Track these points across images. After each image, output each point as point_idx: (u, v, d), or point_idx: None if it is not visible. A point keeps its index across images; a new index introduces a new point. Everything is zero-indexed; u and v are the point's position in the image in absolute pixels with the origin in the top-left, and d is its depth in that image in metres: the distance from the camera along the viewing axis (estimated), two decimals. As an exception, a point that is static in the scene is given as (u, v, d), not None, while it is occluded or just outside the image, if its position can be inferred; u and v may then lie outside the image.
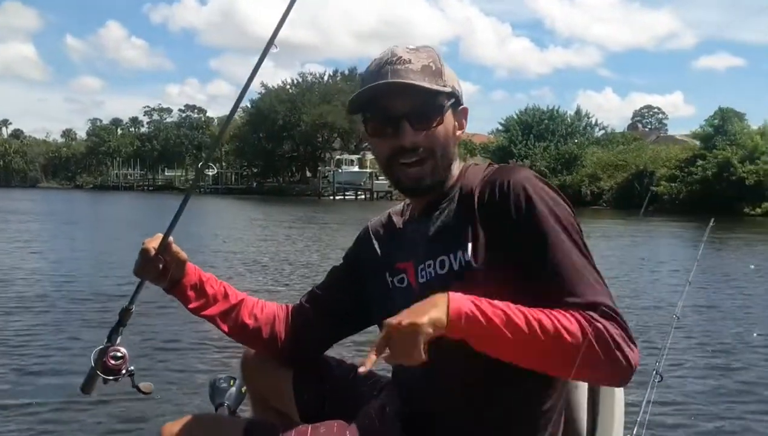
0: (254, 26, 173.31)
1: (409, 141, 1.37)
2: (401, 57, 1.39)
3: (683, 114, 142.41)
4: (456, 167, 1.47)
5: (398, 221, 1.58)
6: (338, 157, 64.35)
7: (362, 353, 1.51)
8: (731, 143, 37.02)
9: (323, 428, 1.46)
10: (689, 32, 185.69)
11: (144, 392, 1.55)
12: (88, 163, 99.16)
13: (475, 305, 1.19)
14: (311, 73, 74.86)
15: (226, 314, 1.64)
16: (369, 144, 1.49)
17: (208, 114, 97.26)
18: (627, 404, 1.57)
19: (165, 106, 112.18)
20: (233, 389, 1.89)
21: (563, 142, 49.54)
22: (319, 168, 65.90)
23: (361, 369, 1.16)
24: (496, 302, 1.21)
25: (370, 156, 70.51)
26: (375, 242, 1.61)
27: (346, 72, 72.06)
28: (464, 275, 1.33)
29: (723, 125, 38.87)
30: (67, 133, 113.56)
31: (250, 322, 1.65)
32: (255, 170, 77.68)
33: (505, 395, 1.37)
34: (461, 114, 1.49)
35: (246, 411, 1.91)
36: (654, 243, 18.61)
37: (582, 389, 1.57)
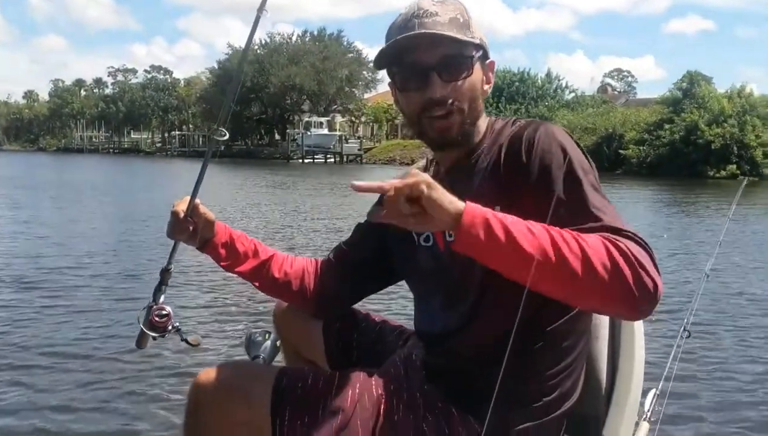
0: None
1: (438, 93, 1.37)
2: (428, 10, 1.38)
3: (654, 77, 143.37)
4: (483, 123, 1.47)
5: None
6: (307, 119, 63.64)
7: (389, 308, 1.56)
8: (699, 107, 37.25)
9: (350, 374, 1.48)
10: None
11: (192, 344, 1.70)
12: (52, 126, 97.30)
13: (491, 213, 1.13)
14: (279, 34, 73.51)
15: (257, 269, 1.71)
16: (397, 100, 1.48)
17: (174, 75, 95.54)
18: (653, 361, 1.46)
19: (130, 66, 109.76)
20: (268, 343, 1.98)
21: (534, 105, 49.56)
22: (288, 131, 65.13)
23: (354, 183, 1.11)
24: (513, 216, 1.14)
25: (339, 118, 70.32)
26: None
27: (315, 33, 70.87)
28: None
29: (691, 89, 39.07)
30: (29, 95, 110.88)
31: (280, 277, 1.71)
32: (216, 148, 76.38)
33: (534, 347, 1.38)
34: (488, 67, 1.47)
35: (281, 364, 1.94)
36: (625, 207, 18.72)
37: (603, 340, 1.58)
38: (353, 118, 69.19)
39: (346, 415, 1.40)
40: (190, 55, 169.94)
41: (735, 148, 34.96)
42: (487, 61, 1.46)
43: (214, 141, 1.67)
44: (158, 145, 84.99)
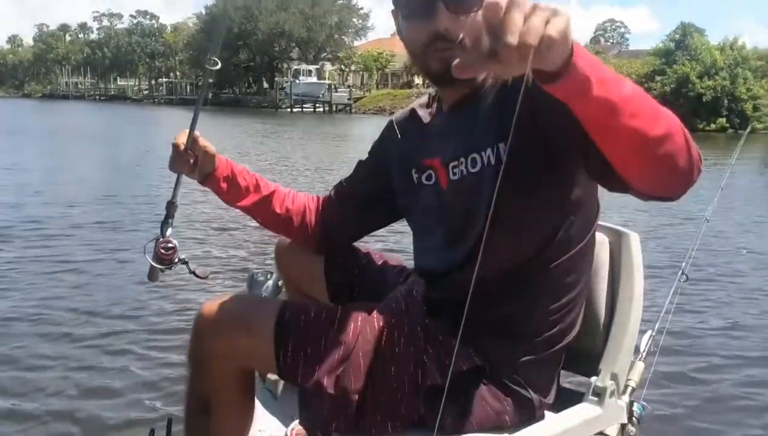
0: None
1: (443, 26, 1.28)
2: None
3: (648, 29, 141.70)
4: None
5: (424, 114, 1.55)
6: (296, 67, 62.83)
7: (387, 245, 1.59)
8: (691, 59, 37.07)
9: (352, 308, 1.49)
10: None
11: (200, 277, 1.70)
12: (36, 71, 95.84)
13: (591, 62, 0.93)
14: (268, -21, 72.12)
15: (259, 204, 1.71)
16: (400, 30, 1.41)
17: (161, 21, 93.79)
18: (650, 304, 1.58)
19: (116, 11, 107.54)
20: (270, 282, 1.99)
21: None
22: (276, 79, 64.36)
23: (456, 66, 0.87)
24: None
25: (329, 66, 69.43)
26: (400, 135, 1.60)
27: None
28: (492, 173, 1.32)
29: (684, 40, 38.81)
30: (13, 40, 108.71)
31: (281, 212, 1.72)
32: (210, 80, 75.48)
33: (537, 283, 1.39)
34: None
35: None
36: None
37: (602, 278, 1.60)
38: (343, 67, 68.42)
39: (347, 347, 1.40)
40: (179, 1, 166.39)
41: (726, 101, 35.02)
42: None
43: (208, 71, 1.58)
44: (145, 92, 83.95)
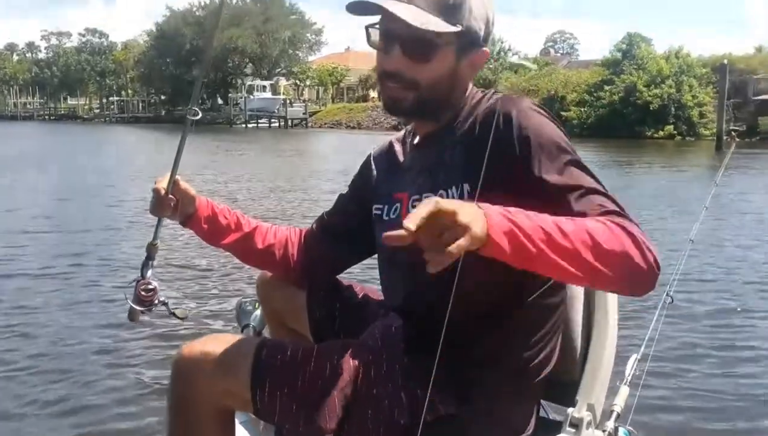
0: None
1: (393, 66, 1.35)
2: None
3: (597, 39, 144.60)
4: (462, 96, 1.44)
5: (399, 149, 1.59)
6: (250, 83, 62.50)
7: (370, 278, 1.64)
8: (638, 68, 37.91)
9: (329, 346, 1.51)
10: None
11: (179, 318, 1.74)
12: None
13: (511, 221, 1.07)
14: (219, -6, 71.58)
15: (240, 242, 1.73)
16: None
17: (112, 39, 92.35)
18: (638, 325, 1.40)
19: (64, 30, 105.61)
20: (258, 312, 2.02)
21: (477, 68, 49.56)
22: (230, 95, 63.89)
23: (386, 235, 1.00)
24: (528, 213, 1.10)
25: (283, 82, 69.14)
26: (375, 170, 1.64)
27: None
28: None
29: (630, 50, 39.68)
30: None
31: (263, 248, 1.73)
32: (163, 98, 74.80)
33: (514, 316, 1.41)
34: (478, 56, 1.41)
35: (264, 335, 2.01)
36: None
37: (578, 309, 1.63)
38: (298, 82, 68.22)
39: (324, 387, 1.41)
40: (129, 19, 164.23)
41: (673, 108, 35.83)
42: (475, 50, 1.39)
43: (189, 121, 1.66)
44: (96, 111, 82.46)
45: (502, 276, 1.34)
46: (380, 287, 1.67)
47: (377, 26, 1.38)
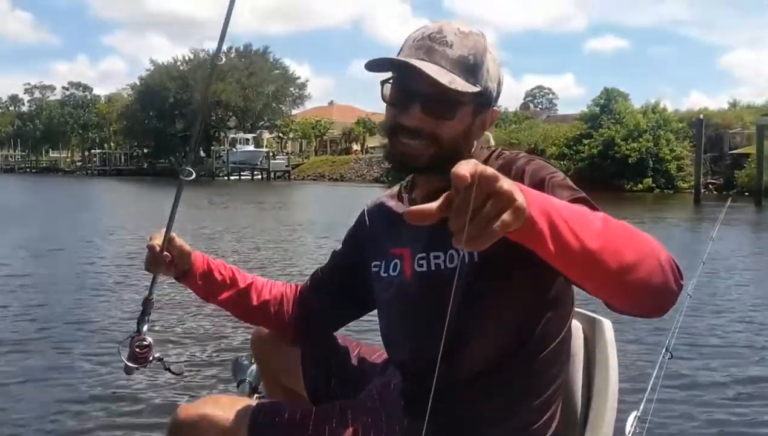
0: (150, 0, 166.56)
1: (413, 122, 1.33)
2: (445, 37, 1.33)
3: (574, 94, 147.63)
4: (470, 154, 1.41)
5: (396, 204, 1.56)
6: (233, 136, 62.81)
7: (365, 333, 1.60)
8: (616, 122, 38.58)
9: (326, 409, 1.49)
10: (581, 15, 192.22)
11: (175, 374, 1.74)
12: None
13: (544, 198, 0.96)
14: (203, 50, 72.50)
15: (235, 298, 1.71)
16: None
17: (94, 91, 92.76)
18: (635, 382, 1.37)
19: (48, 83, 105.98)
20: (254, 367, 1.99)
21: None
22: (213, 147, 64.14)
23: (406, 211, 0.88)
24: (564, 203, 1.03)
25: (267, 135, 69.56)
26: (370, 225, 1.61)
27: (241, 48, 70.16)
28: (476, 271, 1.31)
29: (608, 105, 40.44)
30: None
31: (257, 304, 1.71)
32: (146, 151, 74.89)
33: (519, 375, 1.38)
34: (489, 115, 1.42)
35: (260, 397, 1.98)
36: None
37: (578, 365, 1.60)
38: (281, 135, 68.71)
39: None
40: (114, 72, 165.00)
41: (651, 161, 36.39)
42: (488, 109, 1.41)
43: (182, 181, 1.65)
44: (78, 163, 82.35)
45: (508, 333, 1.33)
46: (378, 342, 1.66)
47: (390, 81, 1.38)
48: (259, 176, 55.81)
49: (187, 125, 68.40)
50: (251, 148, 58.50)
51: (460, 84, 1.31)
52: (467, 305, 1.31)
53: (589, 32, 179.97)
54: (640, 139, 36.92)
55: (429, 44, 1.33)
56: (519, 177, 1.27)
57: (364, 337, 1.90)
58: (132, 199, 28.05)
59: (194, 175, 1.65)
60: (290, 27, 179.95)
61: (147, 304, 1.67)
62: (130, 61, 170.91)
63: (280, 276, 8.74)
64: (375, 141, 63.22)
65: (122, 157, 75.21)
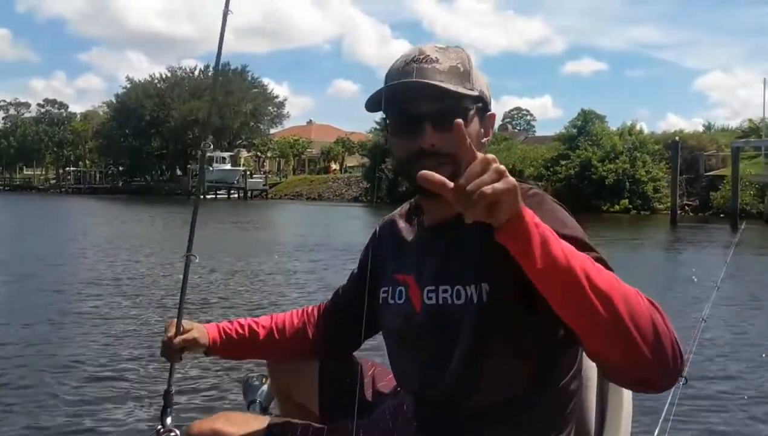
0: (128, 17, 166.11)
1: (428, 143, 1.33)
2: (428, 56, 1.36)
3: (551, 116, 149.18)
4: None
5: (405, 227, 1.57)
6: (209, 154, 62.48)
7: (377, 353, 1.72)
8: (593, 144, 38.89)
9: (338, 429, 1.51)
10: (559, 38, 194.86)
11: None
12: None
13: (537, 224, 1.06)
14: (181, 68, 72.28)
15: (264, 348, 1.77)
16: (386, 140, 1.47)
17: (70, 109, 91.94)
18: (650, 407, 1.72)
19: (23, 100, 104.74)
20: (265, 387, 2.02)
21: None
22: (189, 166, 63.72)
23: (420, 173, 1.04)
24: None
25: (244, 153, 69.44)
26: (380, 248, 1.62)
27: (219, 67, 69.78)
28: (477, 309, 1.33)
29: (585, 126, 40.79)
30: None
31: (287, 341, 1.75)
32: (121, 169, 74.26)
33: (534, 405, 1.37)
34: (488, 121, 1.44)
35: (273, 413, 1.97)
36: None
37: (591, 391, 1.57)
38: (259, 153, 68.49)
39: None
40: (92, 89, 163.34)
41: (627, 183, 36.66)
42: (487, 114, 1.43)
43: (188, 261, 1.72)
44: (52, 181, 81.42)
45: (517, 373, 1.33)
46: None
47: (386, 118, 1.41)
48: (236, 195, 55.55)
49: (164, 144, 68.04)
50: (228, 166, 58.20)
51: (461, 89, 1.33)
52: (475, 344, 1.33)
53: (567, 55, 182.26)
54: (617, 161, 37.18)
55: (416, 66, 1.35)
56: None
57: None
58: (107, 219, 27.59)
59: (197, 259, 1.74)
60: (271, 46, 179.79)
61: (168, 397, 1.70)
62: (108, 79, 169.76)
63: (258, 308, 8.62)
64: (354, 160, 63.29)
65: (97, 175, 74.46)
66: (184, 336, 1.68)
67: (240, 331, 1.75)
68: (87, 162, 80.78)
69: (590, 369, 1.54)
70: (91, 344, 6.11)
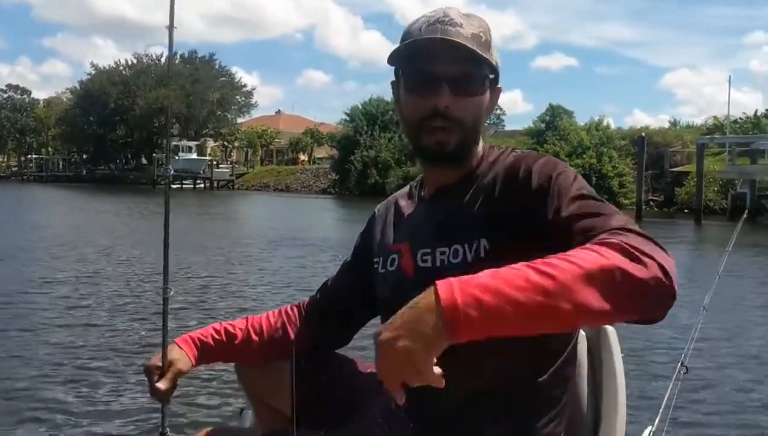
0: (96, 2, 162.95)
1: (443, 104, 1.34)
2: (453, 19, 1.35)
3: (522, 111, 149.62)
4: (479, 147, 1.46)
5: (405, 203, 1.57)
6: (175, 143, 61.65)
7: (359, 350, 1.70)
8: (560, 139, 39.21)
9: None
10: (531, 33, 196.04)
11: None
12: None
13: (470, 284, 1.01)
14: (147, 55, 71.06)
15: (238, 350, 1.67)
16: (398, 100, 1.45)
17: (33, 95, 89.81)
18: (652, 395, 1.67)
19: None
20: None
21: (406, 134, 50.47)
22: (154, 155, 62.80)
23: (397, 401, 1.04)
24: (486, 272, 1.03)
25: (211, 143, 68.70)
26: (377, 226, 1.61)
27: (186, 54, 68.94)
28: (475, 268, 1.18)
29: (553, 121, 41.11)
30: None
31: (262, 345, 1.67)
32: (85, 157, 72.94)
33: (531, 392, 1.36)
34: (496, 93, 1.46)
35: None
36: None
37: (583, 381, 1.56)
38: (226, 143, 67.76)
39: None
40: (58, 76, 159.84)
41: (594, 178, 36.97)
42: (497, 87, 1.45)
43: (167, 300, 1.54)
44: (14, 169, 79.70)
45: (516, 348, 1.25)
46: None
47: (403, 75, 1.40)
48: (202, 185, 54.93)
49: (129, 132, 66.99)
50: (194, 156, 57.48)
51: (489, 55, 1.35)
52: None
53: (538, 50, 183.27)
54: (584, 156, 37.52)
55: (441, 27, 1.34)
56: (527, 176, 1.31)
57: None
58: (68, 208, 27.02)
59: (173, 292, 1.55)
60: (242, 35, 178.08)
61: None
62: (75, 65, 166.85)
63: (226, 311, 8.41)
64: (323, 152, 62.96)
65: (60, 163, 73.04)
66: (172, 375, 1.56)
67: (216, 336, 1.67)
68: (50, 149, 79.19)
69: (582, 356, 1.54)
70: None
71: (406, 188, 1.62)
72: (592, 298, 0.99)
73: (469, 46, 1.31)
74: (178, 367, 1.57)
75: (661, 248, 1.08)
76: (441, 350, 0.99)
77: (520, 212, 1.28)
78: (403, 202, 1.58)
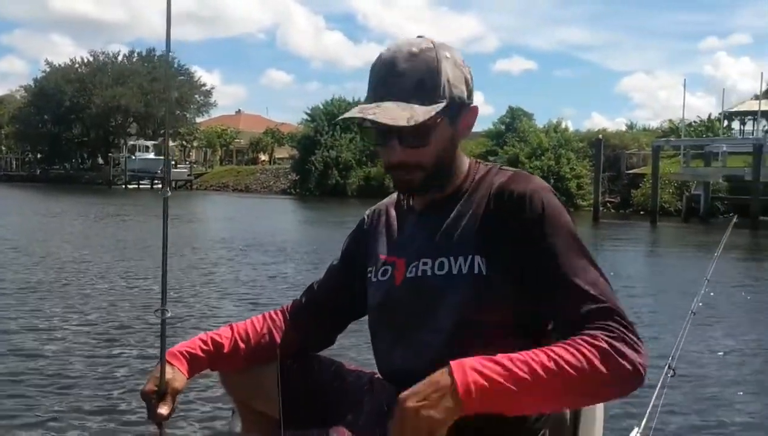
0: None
1: (396, 159, 1.41)
2: (397, 69, 1.38)
3: (483, 113, 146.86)
4: (462, 164, 1.52)
5: (394, 213, 1.62)
6: (132, 143, 60.64)
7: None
8: (520, 140, 39.58)
9: None
10: (492, 35, 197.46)
11: None
12: None
13: (481, 373, 1.18)
14: (104, 53, 69.72)
15: (226, 358, 1.66)
16: None
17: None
18: (639, 398, 1.70)
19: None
20: None
21: (367, 135, 50.39)
22: (111, 154, 61.65)
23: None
24: (497, 358, 1.20)
25: (171, 142, 67.39)
26: (367, 233, 1.65)
27: (144, 52, 67.85)
28: (464, 282, 1.39)
29: (513, 123, 41.47)
30: None
31: (249, 351, 1.67)
32: (39, 156, 71.25)
33: None
34: (468, 114, 1.49)
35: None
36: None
37: None
38: (185, 143, 66.84)
39: None
40: (14, 73, 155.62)
41: (552, 179, 37.38)
42: (465, 111, 1.47)
43: (163, 321, 1.42)
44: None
45: (502, 342, 1.32)
46: (362, 360, 1.45)
47: (367, 124, 1.41)
48: (159, 185, 54.05)
49: (85, 130, 65.65)
50: (151, 156, 56.57)
51: (421, 114, 1.35)
52: (457, 317, 1.40)
53: (499, 53, 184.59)
54: (543, 158, 37.91)
55: (387, 79, 1.39)
56: (522, 205, 1.37)
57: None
58: (24, 208, 26.35)
59: (170, 313, 1.45)
60: (204, 33, 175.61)
61: None
62: (32, 62, 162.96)
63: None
64: (284, 152, 62.55)
65: (13, 163, 71.26)
66: (171, 397, 1.51)
67: (204, 347, 1.65)
68: (3, 148, 77.23)
69: None
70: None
71: (394, 196, 1.66)
72: (575, 401, 1.31)
73: (396, 123, 1.33)
74: (175, 387, 1.54)
75: (637, 337, 1.24)
76: (450, 422, 1.16)
77: (512, 238, 1.36)
78: (393, 213, 1.63)
